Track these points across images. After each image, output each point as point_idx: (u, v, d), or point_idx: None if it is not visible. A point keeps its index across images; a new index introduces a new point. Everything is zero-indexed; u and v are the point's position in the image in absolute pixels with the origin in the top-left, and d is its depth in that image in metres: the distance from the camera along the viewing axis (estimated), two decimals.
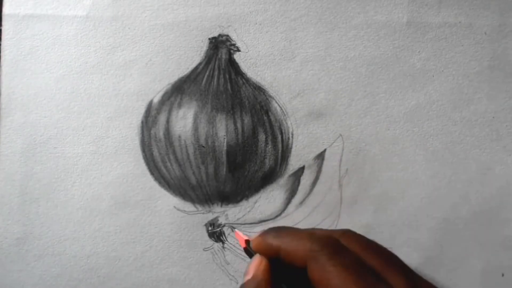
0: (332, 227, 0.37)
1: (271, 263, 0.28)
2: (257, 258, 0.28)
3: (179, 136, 0.37)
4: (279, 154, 0.37)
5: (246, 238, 0.31)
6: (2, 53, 0.37)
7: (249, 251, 0.30)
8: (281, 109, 0.37)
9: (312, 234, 0.27)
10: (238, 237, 0.32)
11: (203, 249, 0.37)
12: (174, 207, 0.37)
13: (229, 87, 0.37)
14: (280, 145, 0.37)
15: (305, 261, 0.26)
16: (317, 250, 0.26)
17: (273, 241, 0.28)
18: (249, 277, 0.28)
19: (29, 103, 0.37)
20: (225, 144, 0.37)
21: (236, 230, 0.33)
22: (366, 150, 0.37)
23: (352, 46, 0.37)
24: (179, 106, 0.37)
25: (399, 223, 0.37)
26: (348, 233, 0.28)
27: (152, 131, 0.37)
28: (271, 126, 0.37)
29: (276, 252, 0.28)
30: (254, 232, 0.37)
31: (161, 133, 0.37)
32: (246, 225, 0.37)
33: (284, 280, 0.28)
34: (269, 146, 0.37)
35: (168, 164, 0.37)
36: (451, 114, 0.37)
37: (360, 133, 0.37)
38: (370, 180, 0.37)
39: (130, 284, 0.37)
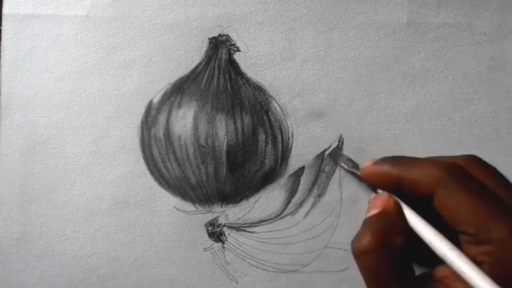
0: (332, 227, 0.37)
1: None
2: (385, 193, 0.27)
3: (179, 136, 0.37)
4: (279, 154, 0.37)
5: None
6: (2, 53, 0.37)
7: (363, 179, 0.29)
8: (281, 109, 0.37)
9: (437, 162, 0.26)
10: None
11: (203, 249, 0.37)
12: (174, 207, 0.37)
13: (229, 87, 0.37)
14: (280, 145, 0.37)
15: (432, 189, 0.25)
16: (446, 177, 0.25)
17: (393, 170, 0.27)
18: (375, 211, 0.27)
19: (29, 103, 0.37)
20: (225, 144, 0.37)
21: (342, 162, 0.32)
22: (366, 150, 0.37)
23: (352, 46, 0.37)
24: (179, 106, 0.37)
25: None
26: (474, 160, 0.27)
27: (152, 131, 0.37)
28: (271, 126, 0.37)
29: (395, 182, 0.27)
30: (257, 232, 0.37)
31: (161, 133, 0.37)
32: (246, 225, 0.37)
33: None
34: (269, 146, 0.37)
35: (168, 164, 0.37)
36: (451, 114, 0.37)
37: (360, 133, 0.37)
38: None
39: (130, 284, 0.37)
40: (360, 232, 0.26)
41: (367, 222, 0.27)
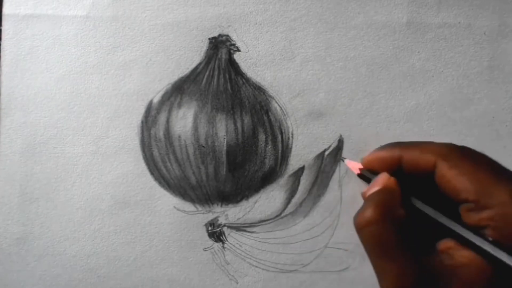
0: (332, 227, 0.37)
1: None
2: (384, 174, 0.28)
3: (179, 136, 0.37)
4: (279, 154, 0.37)
5: (359, 165, 0.31)
6: (2, 53, 0.37)
7: (365, 176, 0.30)
8: (281, 109, 0.37)
9: (435, 142, 0.28)
10: (350, 165, 0.31)
11: (203, 249, 0.37)
12: (174, 207, 0.37)
13: (229, 87, 0.37)
14: (280, 145, 0.37)
15: (433, 163, 0.26)
16: (447, 150, 0.27)
17: (393, 152, 0.28)
18: (377, 188, 0.28)
19: (29, 103, 0.37)
20: (225, 144, 0.37)
21: (346, 159, 0.33)
22: (366, 150, 0.37)
23: (352, 46, 0.37)
24: (179, 106, 0.37)
25: None
26: (467, 147, 0.28)
27: (152, 131, 0.37)
28: (271, 126, 0.37)
29: (396, 162, 0.28)
30: (257, 232, 0.37)
31: (161, 133, 0.37)
32: (246, 225, 0.37)
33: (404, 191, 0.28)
34: (269, 146, 0.37)
35: (168, 164, 0.37)
36: (451, 114, 0.37)
37: (360, 133, 0.37)
38: None
39: (130, 284, 0.37)
40: (362, 207, 0.27)
41: (370, 197, 0.28)
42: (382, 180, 0.28)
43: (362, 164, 0.30)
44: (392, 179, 0.28)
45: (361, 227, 0.26)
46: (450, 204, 0.26)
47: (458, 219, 0.26)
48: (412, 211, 0.27)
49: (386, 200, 0.27)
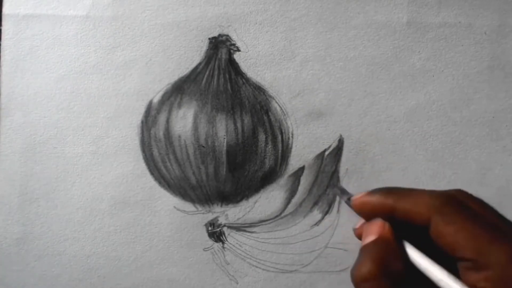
0: (332, 227, 0.37)
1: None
2: (380, 220, 0.27)
3: (179, 136, 0.37)
4: (279, 154, 0.37)
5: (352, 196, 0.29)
6: (2, 53, 0.37)
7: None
8: (281, 109, 0.37)
9: (430, 191, 0.27)
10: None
11: (203, 249, 0.37)
12: (174, 207, 0.37)
13: (229, 87, 0.37)
14: (280, 145, 0.37)
15: (428, 217, 0.25)
16: (442, 205, 0.25)
17: (386, 201, 0.27)
18: (372, 238, 0.27)
19: (29, 103, 0.37)
20: (225, 144, 0.37)
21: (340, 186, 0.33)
22: (366, 150, 0.37)
23: (352, 46, 0.37)
24: (179, 106, 0.37)
25: None
26: (461, 192, 0.27)
27: (152, 131, 0.37)
28: (271, 126, 0.37)
29: (388, 211, 0.27)
30: (257, 232, 0.37)
31: (161, 133, 0.37)
32: (246, 225, 0.37)
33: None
34: (269, 146, 0.37)
35: (168, 164, 0.37)
36: (451, 114, 0.37)
37: (360, 133, 0.37)
38: (370, 180, 0.37)
39: (130, 284, 0.37)
40: (358, 261, 0.26)
41: (365, 249, 0.27)
42: (376, 228, 0.27)
43: (353, 205, 0.29)
44: (387, 227, 0.27)
45: (358, 283, 0.26)
46: (446, 256, 0.25)
47: (453, 274, 0.25)
48: (408, 261, 0.26)
49: (384, 253, 0.26)
